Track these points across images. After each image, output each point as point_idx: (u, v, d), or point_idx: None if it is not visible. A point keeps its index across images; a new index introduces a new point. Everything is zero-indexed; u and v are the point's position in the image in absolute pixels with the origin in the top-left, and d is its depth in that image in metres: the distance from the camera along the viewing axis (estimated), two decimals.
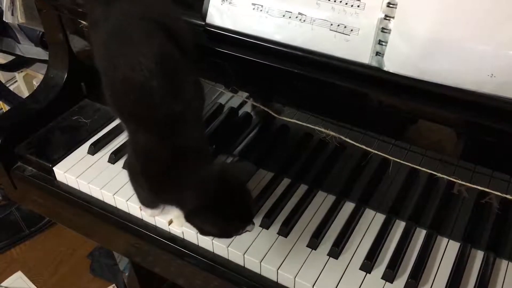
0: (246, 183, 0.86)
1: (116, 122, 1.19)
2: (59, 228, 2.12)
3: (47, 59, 1.24)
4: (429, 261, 0.89)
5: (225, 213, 0.80)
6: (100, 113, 1.23)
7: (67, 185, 1.09)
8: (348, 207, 0.99)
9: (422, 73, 0.74)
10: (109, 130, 1.17)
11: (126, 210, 1.02)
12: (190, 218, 0.81)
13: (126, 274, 1.84)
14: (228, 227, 0.82)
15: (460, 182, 0.81)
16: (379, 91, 0.78)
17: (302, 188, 1.03)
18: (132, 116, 0.77)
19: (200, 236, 0.93)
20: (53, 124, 1.20)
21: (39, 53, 1.57)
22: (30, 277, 1.96)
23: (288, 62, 0.84)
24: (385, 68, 0.77)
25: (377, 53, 0.78)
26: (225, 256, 0.93)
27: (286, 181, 1.04)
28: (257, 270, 0.90)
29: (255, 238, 0.93)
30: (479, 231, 0.89)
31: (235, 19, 0.88)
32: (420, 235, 0.93)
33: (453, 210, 0.89)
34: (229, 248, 0.91)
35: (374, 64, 0.78)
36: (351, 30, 0.79)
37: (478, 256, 0.89)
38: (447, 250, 0.91)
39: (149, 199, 0.88)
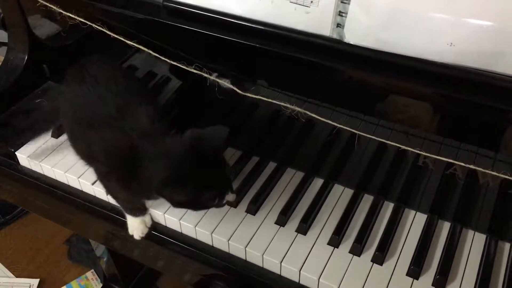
0: (219, 149, 0.83)
1: None
2: (35, 215, 2.09)
3: None
4: (396, 233, 0.89)
5: (195, 181, 0.78)
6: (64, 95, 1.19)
7: (31, 169, 1.06)
8: (317, 183, 0.98)
9: (382, 44, 0.73)
10: None
11: (92, 193, 1.00)
12: (159, 189, 0.79)
13: (104, 259, 1.82)
14: (200, 196, 0.80)
15: (424, 154, 0.80)
16: (340, 63, 0.76)
17: (271, 166, 1.02)
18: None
19: (166, 216, 0.92)
20: (15, 108, 1.16)
21: (1, 35, 1.51)
22: (7, 265, 1.93)
23: (248, 36, 0.83)
24: (346, 40, 0.75)
25: (338, 25, 0.76)
26: (193, 236, 0.92)
27: (254, 159, 1.03)
28: (225, 249, 0.89)
29: (223, 217, 0.92)
30: (445, 202, 0.90)
31: None
32: (388, 208, 0.93)
33: (419, 182, 0.89)
34: (196, 228, 0.90)
35: (335, 36, 0.77)
36: (311, 1, 0.77)
37: (445, 227, 0.90)
38: (414, 222, 0.91)
39: (128, 199, 0.89)
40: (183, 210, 0.91)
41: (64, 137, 1.09)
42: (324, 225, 0.91)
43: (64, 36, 1.16)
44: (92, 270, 1.89)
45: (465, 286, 0.80)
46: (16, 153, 1.06)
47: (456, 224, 0.89)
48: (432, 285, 0.81)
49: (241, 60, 0.89)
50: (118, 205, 0.93)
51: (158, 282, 1.78)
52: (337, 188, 0.97)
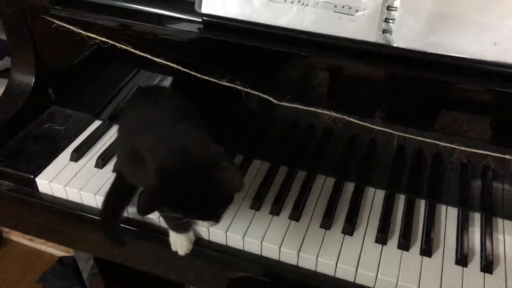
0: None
1: (94, 126, 1.15)
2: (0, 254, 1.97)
3: None
4: (435, 227, 0.94)
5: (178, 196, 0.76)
6: (73, 119, 1.16)
7: (52, 195, 1.01)
8: (349, 187, 1.02)
9: (430, 46, 0.79)
10: (89, 135, 1.11)
11: (125, 214, 0.97)
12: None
13: None
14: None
15: (462, 148, 0.86)
16: (394, 67, 0.81)
17: (301, 174, 1.04)
18: None
19: (211, 230, 0.92)
20: (23, 134, 1.11)
21: None
22: None
23: (292, 46, 0.86)
24: (394, 44, 0.80)
25: (384, 31, 0.81)
26: (241, 247, 0.92)
27: (283, 169, 1.05)
28: (275, 257, 0.90)
29: (269, 226, 0.93)
30: (474, 195, 0.96)
31: (236, 8, 0.88)
32: (421, 205, 0.98)
33: (451, 178, 0.95)
34: (244, 238, 0.90)
35: (381, 41, 0.82)
36: (356, 10, 0.82)
37: (477, 218, 0.96)
38: (448, 216, 0.96)
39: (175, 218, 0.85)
40: (228, 222, 0.92)
41: (84, 160, 1.06)
42: (367, 224, 0.94)
43: (70, 58, 1.14)
44: None
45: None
46: (36, 179, 1.01)
47: (486, 215, 0.96)
48: (481, 270, 0.86)
49: (284, 70, 0.92)
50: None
51: None
52: (369, 190, 1.01)
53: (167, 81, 1.08)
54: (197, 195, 0.75)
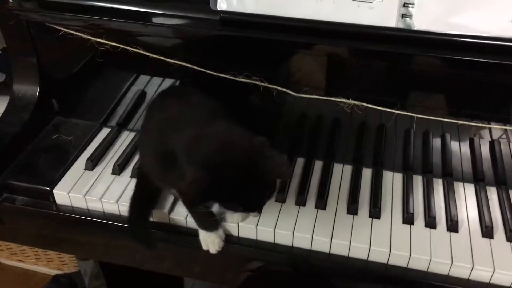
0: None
1: (104, 133, 1.13)
2: None
3: None
4: (458, 204, 0.96)
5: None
6: (80, 128, 1.14)
7: (71, 206, 0.99)
8: (367, 172, 1.04)
9: (450, 27, 0.81)
10: (100, 143, 1.09)
11: (150, 218, 0.96)
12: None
13: None
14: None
15: (480, 125, 0.90)
16: (417, 50, 0.84)
17: (318, 163, 1.05)
18: None
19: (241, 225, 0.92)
20: (32, 147, 1.08)
21: None
22: None
23: (314, 36, 0.87)
24: (416, 28, 0.83)
25: (403, 16, 0.84)
26: (271, 240, 0.92)
27: (300, 161, 1.06)
28: (307, 246, 0.91)
29: (297, 217, 0.93)
30: (486, 169, 0.99)
31: (252, 2, 0.89)
32: (439, 183, 1.01)
33: (466, 155, 0.98)
34: (276, 230, 0.91)
35: (401, 26, 0.84)
36: None
37: (493, 191, 0.99)
38: (466, 192, 0.99)
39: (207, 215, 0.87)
40: (257, 217, 0.92)
41: (99, 168, 1.04)
42: (392, 207, 0.96)
43: (72, 66, 1.12)
44: None
45: None
46: (53, 191, 0.99)
47: (501, 187, 0.99)
48: (507, 240, 0.90)
49: (302, 61, 0.93)
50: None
51: None
52: (387, 174, 1.04)
53: (168, 83, 1.08)
54: (245, 187, 0.76)
